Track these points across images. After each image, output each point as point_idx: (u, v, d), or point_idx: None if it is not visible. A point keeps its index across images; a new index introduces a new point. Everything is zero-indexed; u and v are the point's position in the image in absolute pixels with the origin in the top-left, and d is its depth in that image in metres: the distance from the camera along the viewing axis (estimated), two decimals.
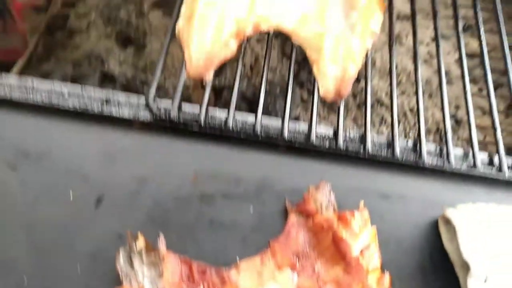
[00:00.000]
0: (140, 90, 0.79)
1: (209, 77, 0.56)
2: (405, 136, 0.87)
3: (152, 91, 0.54)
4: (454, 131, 0.89)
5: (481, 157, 0.56)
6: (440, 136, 0.89)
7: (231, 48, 0.58)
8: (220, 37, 0.57)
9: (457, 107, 0.92)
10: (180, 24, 0.58)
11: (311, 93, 0.83)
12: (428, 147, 0.56)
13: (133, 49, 0.84)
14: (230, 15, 0.59)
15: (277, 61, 0.89)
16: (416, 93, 0.61)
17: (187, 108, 0.55)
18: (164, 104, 0.54)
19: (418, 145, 0.55)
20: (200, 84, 0.75)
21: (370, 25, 0.61)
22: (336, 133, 0.55)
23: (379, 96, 0.89)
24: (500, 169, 0.54)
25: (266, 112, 0.78)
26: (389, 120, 0.88)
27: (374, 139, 0.56)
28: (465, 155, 0.56)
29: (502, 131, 0.88)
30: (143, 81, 0.80)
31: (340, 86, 0.57)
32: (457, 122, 0.90)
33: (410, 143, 0.56)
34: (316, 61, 0.58)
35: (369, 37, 0.60)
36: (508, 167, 0.55)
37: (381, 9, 0.64)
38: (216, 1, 0.60)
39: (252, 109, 0.79)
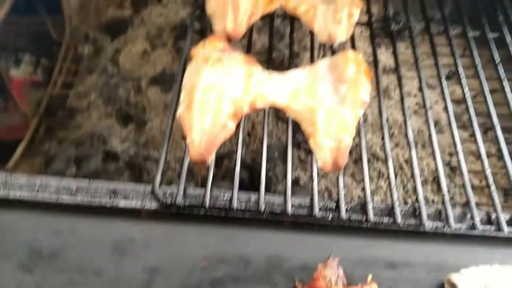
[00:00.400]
0: (143, 166, 0.81)
1: (211, 159, 0.58)
2: (403, 188, 0.89)
3: (157, 179, 0.56)
4: (450, 178, 0.91)
5: (480, 216, 0.57)
6: (438, 185, 0.91)
7: (230, 129, 0.61)
8: (219, 120, 0.60)
9: (451, 154, 0.94)
10: (181, 110, 0.61)
11: (308, 153, 0.85)
12: (427, 210, 0.57)
13: (133, 126, 0.87)
14: (227, 97, 0.63)
15: (272, 125, 0.92)
16: (411, 159, 0.63)
17: (192, 191, 0.57)
18: (169, 190, 0.56)
19: (417, 210, 0.57)
20: None
21: (359, 95, 0.64)
22: (338, 205, 0.57)
23: (374, 150, 0.92)
24: (498, 227, 0.56)
25: (266, 176, 0.80)
26: (386, 173, 0.90)
27: (375, 206, 0.58)
28: (464, 214, 0.58)
29: (495, 174, 0.91)
30: (146, 156, 0.82)
31: (336, 157, 0.59)
32: (452, 169, 0.92)
33: (410, 208, 0.58)
34: (311, 134, 0.61)
35: (360, 107, 0.64)
36: (507, 224, 0.57)
37: (369, 78, 0.68)
38: (214, 85, 0.63)
39: (253, 177, 0.82)
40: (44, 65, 1.11)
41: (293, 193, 0.78)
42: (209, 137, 0.59)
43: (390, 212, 0.57)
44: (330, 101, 0.64)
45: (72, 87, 0.97)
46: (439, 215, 0.58)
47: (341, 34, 0.73)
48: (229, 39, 0.72)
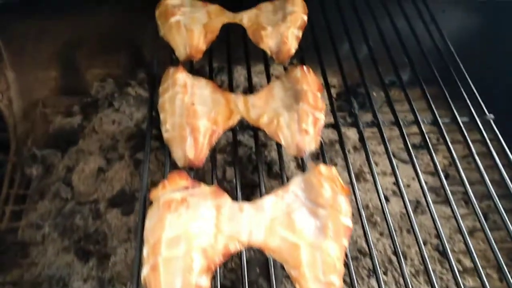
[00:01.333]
0: None
1: None
2: (396, 284, 0.83)
3: None
4: (441, 264, 0.87)
5: None
6: (429, 278, 0.86)
7: (204, 286, 0.54)
8: (191, 281, 0.53)
9: (438, 236, 0.90)
10: (145, 273, 0.54)
11: None
12: None
13: (95, 261, 0.78)
14: (197, 247, 0.56)
15: None
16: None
17: None
18: None
19: None
20: None
21: (340, 221, 0.59)
22: None
23: (359, 244, 0.86)
24: None
25: None
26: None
27: None
28: None
29: (485, 250, 0.87)
30: None
31: None
32: (441, 253, 0.88)
33: None
34: (297, 280, 0.55)
35: (344, 236, 0.58)
36: None
37: (346, 194, 0.63)
38: (180, 235, 0.56)
39: None
40: None
41: None
42: None
43: None
44: (310, 233, 0.58)
45: (22, 216, 0.87)
46: None
47: (310, 144, 0.69)
48: (191, 167, 0.66)
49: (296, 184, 0.64)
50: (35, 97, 1.08)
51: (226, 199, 0.62)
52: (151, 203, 0.60)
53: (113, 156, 0.90)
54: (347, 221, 0.60)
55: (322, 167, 0.65)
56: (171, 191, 0.60)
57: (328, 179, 0.63)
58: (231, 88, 0.80)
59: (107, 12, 0.99)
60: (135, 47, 1.07)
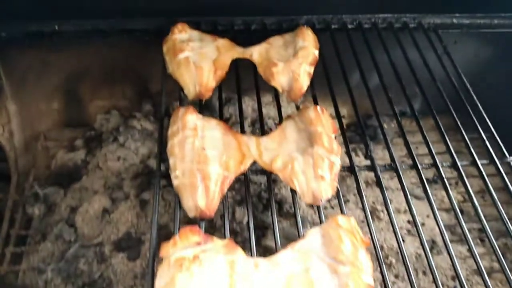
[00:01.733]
0: None
1: None
2: None
3: None
4: None
5: None
6: None
7: None
8: None
9: (454, 278, 0.86)
10: None
11: None
12: None
13: None
14: None
15: None
16: None
17: None
18: None
19: None
20: None
21: (361, 279, 0.56)
22: None
23: None
24: None
25: None
26: None
27: None
28: None
29: None
30: None
31: None
32: None
33: None
34: None
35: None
36: None
37: (366, 247, 0.60)
38: None
39: None
40: None
41: None
42: None
43: None
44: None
45: (23, 258, 0.83)
46: None
47: (327, 191, 0.66)
48: (202, 218, 0.63)
49: (313, 237, 0.61)
50: (37, 129, 1.05)
51: (239, 254, 0.59)
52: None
53: (118, 195, 0.87)
54: (369, 279, 0.57)
55: (341, 218, 0.61)
56: (183, 248, 0.57)
57: (347, 231, 0.60)
58: (241, 123, 0.77)
59: (112, 44, 0.96)
60: (141, 79, 1.05)
